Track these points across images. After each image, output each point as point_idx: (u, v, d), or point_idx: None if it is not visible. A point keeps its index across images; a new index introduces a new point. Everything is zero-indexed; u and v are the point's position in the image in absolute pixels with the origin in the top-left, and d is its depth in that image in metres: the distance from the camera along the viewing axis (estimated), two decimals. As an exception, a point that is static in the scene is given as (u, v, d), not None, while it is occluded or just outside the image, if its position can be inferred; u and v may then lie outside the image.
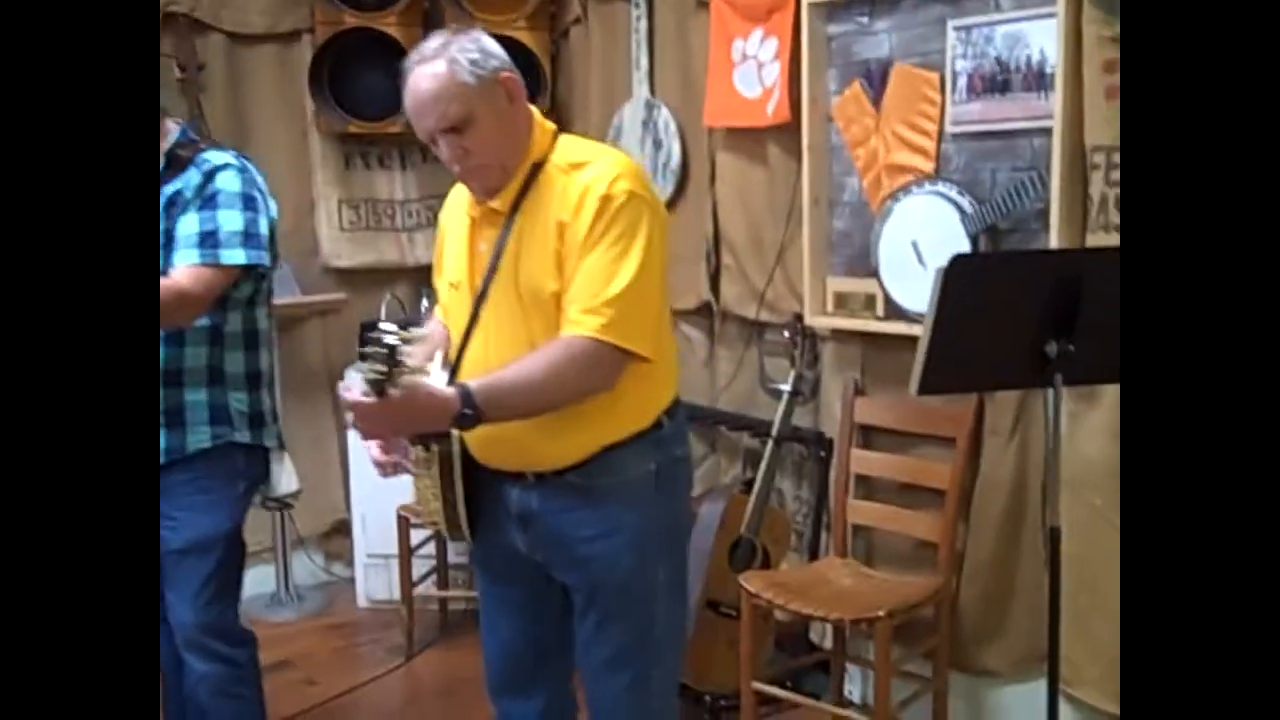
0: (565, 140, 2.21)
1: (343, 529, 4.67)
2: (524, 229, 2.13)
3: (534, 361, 2.04)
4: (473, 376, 2.10)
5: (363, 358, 1.88)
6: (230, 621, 2.77)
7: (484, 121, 2.08)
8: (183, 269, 2.52)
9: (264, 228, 2.66)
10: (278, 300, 4.29)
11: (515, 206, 2.14)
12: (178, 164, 2.63)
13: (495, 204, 2.16)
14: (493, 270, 2.15)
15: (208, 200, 2.58)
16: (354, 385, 1.91)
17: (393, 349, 1.82)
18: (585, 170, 2.11)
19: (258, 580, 4.56)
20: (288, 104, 4.51)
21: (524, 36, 4.24)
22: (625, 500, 2.19)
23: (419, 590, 4.12)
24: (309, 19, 4.36)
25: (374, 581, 4.44)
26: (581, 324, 2.04)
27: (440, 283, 2.31)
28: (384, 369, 1.82)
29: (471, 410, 1.98)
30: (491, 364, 2.11)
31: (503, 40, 4.05)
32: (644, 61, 3.90)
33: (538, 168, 2.15)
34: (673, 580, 2.29)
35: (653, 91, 3.94)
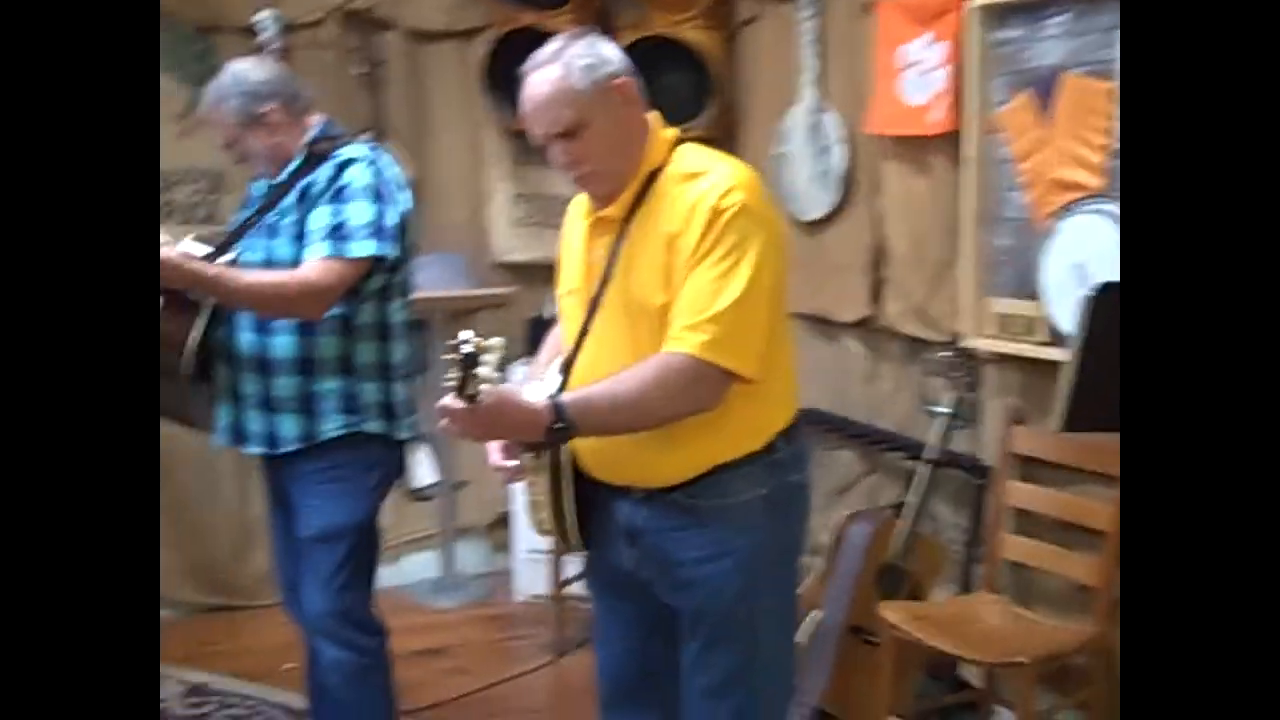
0: (685, 149, 2.16)
1: (506, 521, 4.73)
2: (636, 239, 2.10)
3: (631, 377, 2.01)
4: (582, 387, 2.10)
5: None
6: (361, 610, 2.85)
7: (597, 127, 2.06)
8: (312, 261, 2.62)
9: (392, 219, 2.70)
10: (447, 292, 4.41)
11: (629, 215, 2.11)
12: (315, 158, 2.74)
13: (609, 211, 2.13)
14: (605, 279, 2.13)
15: (337, 193, 2.66)
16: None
17: (469, 356, 1.83)
18: (699, 181, 2.06)
19: (422, 566, 4.69)
20: (465, 100, 4.57)
21: (696, 36, 4.16)
22: (734, 523, 2.13)
23: (571, 589, 4.12)
24: (487, 16, 4.40)
25: (531, 576, 4.48)
26: (682, 341, 2.00)
27: (560, 290, 2.30)
28: (458, 375, 1.83)
29: (563, 424, 1.97)
30: (599, 375, 2.09)
31: (672, 42, 4.09)
32: (812, 64, 3.77)
33: (653, 176, 2.11)
34: (781, 609, 2.24)
35: (821, 96, 3.81)
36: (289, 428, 2.73)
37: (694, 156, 2.13)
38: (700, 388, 2.02)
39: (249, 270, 2.66)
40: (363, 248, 2.63)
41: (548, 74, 2.06)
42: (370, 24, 4.39)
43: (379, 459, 2.82)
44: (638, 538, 2.20)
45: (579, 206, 2.26)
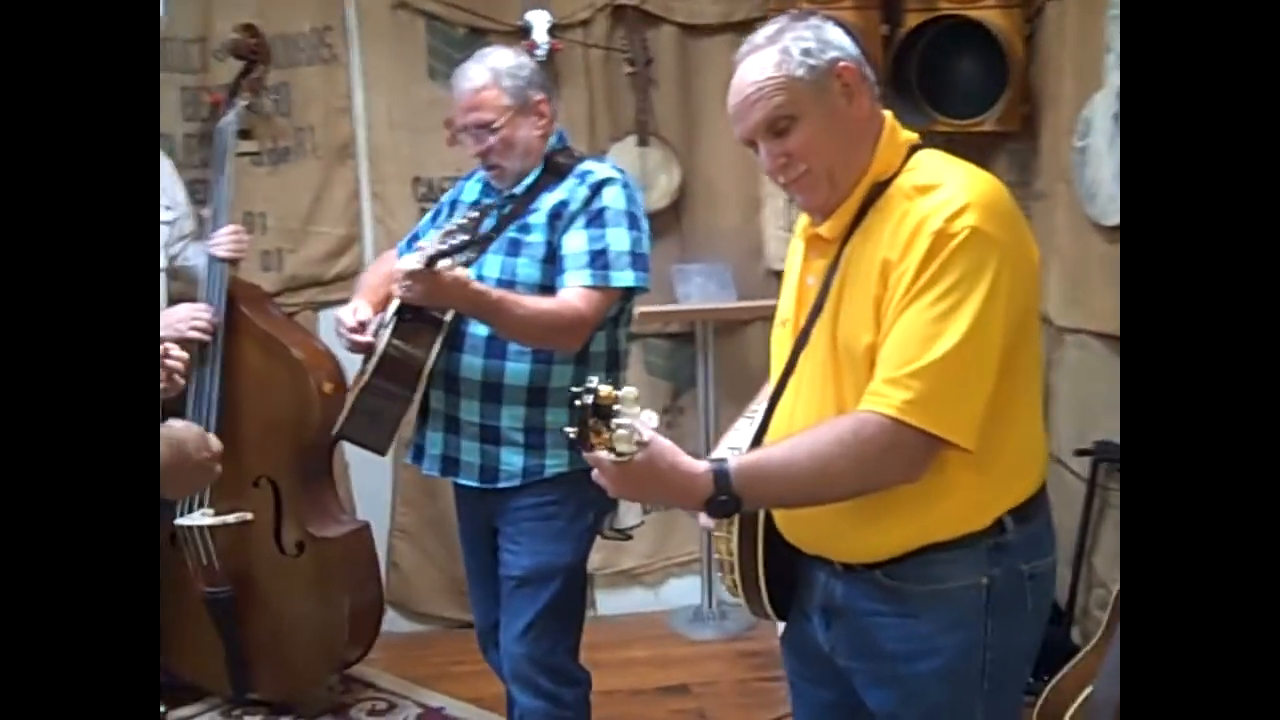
0: (924, 157, 1.79)
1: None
2: (853, 263, 1.76)
3: (814, 440, 1.67)
4: (781, 434, 1.78)
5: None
6: (560, 658, 2.63)
7: (811, 121, 1.74)
8: (577, 290, 2.47)
9: (648, 247, 2.57)
10: (715, 304, 4.17)
11: (848, 234, 1.77)
12: (555, 170, 2.59)
13: (825, 229, 1.80)
14: (816, 311, 1.79)
15: (595, 216, 2.52)
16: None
17: (596, 408, 1.55)
18: (929, 196, 1.69)
19: (684, 592, 4.45)
20: (739, 97, 4.27)
21: (993, 16, 3.69)
22: (945, 616, 1.75)
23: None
24: (763, 7, 4.10)
25: (796, 611, 4.12)
26: (880, 398, 1.64)
27: (776, 319, 1.97)
28: (584, 428, 1.56)
29: (727, 496, 1.64)
30: (795, 427, 1.76)
31: (966, 23, 3.64)
32: (1117, 44, 3.23)
33: (880, 188, 1.76)
34: None
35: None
36: (512, 461, 2.56)
37: (932, 166, 1.77)
38: (896, 456, 1.64)
39: (522, 296, 2.50)
40: (623, 277, 2.50)
41: (762, 60, 1.75)
42: (641, 19, 4.18)
43: (596, 497, 2.57)
44: (834, 616, 1.86)
45: (801, 221, 1.93)
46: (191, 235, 3.61)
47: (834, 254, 1.79)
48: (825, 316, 1.78)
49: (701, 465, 1.66)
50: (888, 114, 1.82)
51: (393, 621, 4.19)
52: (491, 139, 2.56)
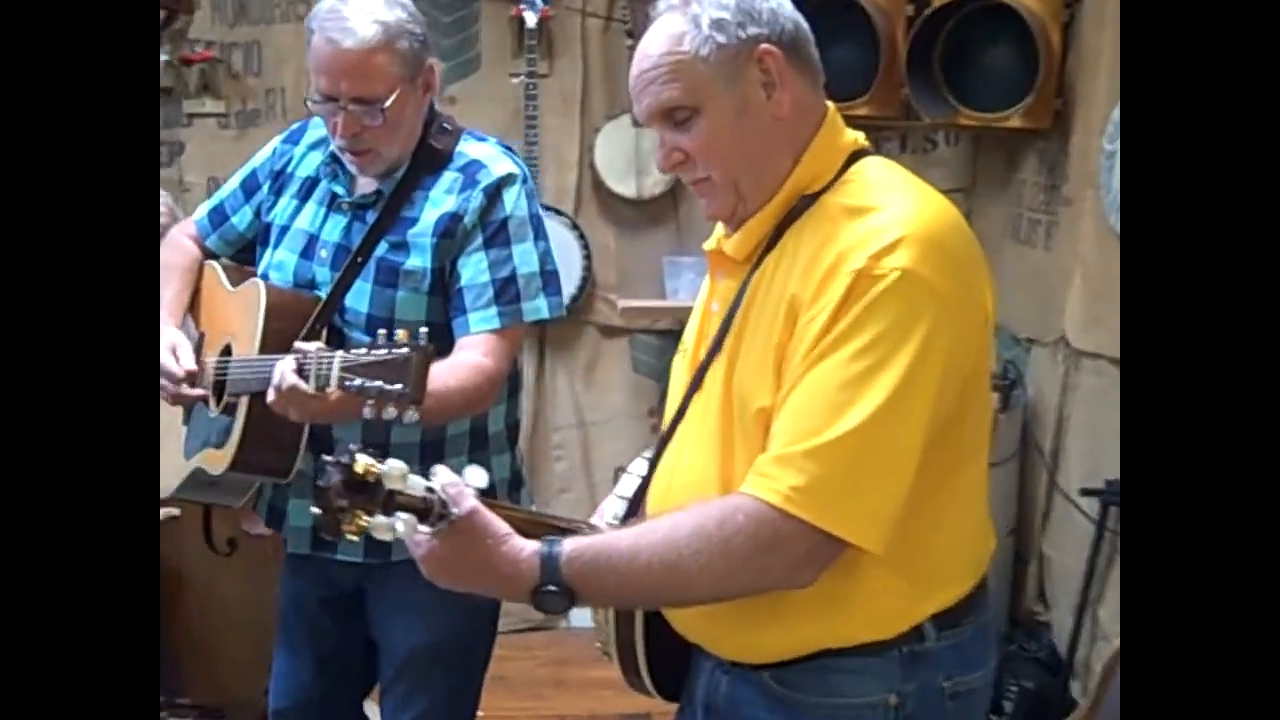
0: (867, 167, 1.45)
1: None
2: (759, 293, 1.42)
3: (671, 527, 1.34)
4: (657, 504, 1.46)
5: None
6: None
7: (716, 115, 1.40)
8: (482, 341, 1.98)
9: (555, 256, 2.10)
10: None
11: (760, 256, 1.43)
12: (430, 160, 2.07)
13: (730, 246, 1.46)
14: (715, 347, 1.46)
15: (496, 233, 2.02)
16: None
17: (347, 485, 1.25)
18: (858, 222, 1.35)
19: (661, 608, 4.15)
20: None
21: (1028, 0, 3.34)
22: None
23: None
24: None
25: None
26: (764, 480, 1.32)
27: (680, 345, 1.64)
28: (318, 510, 1.27)
29: (556, 587, 1.32)
30: (673, 495, 1.45)
31: (1000, 5, 3.29)
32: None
33: (807, 202, 1.42)
34: None
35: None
36: None
37: (871, 181, 1.43)
38: (776, 557, 1.31)
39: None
40: (536, 308, 2.03)
41: (665, 29, 1.41)
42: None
43: None
44: (714, 715, 1.53)
45: (716, 230, 1.58)
46: None
47: (742, 278, 1.45)
48: (723, 357, 1.45)
49: (528, 549, 1.34)
50: (830, 107, 1.48)
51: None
52: (371, 120, 1.96)
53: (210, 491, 2.20)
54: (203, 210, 2.29)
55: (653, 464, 1.55)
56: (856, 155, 1.46)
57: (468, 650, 2.23)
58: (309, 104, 2.04)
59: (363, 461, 1.25)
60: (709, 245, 1.54)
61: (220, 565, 3.22)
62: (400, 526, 1.26)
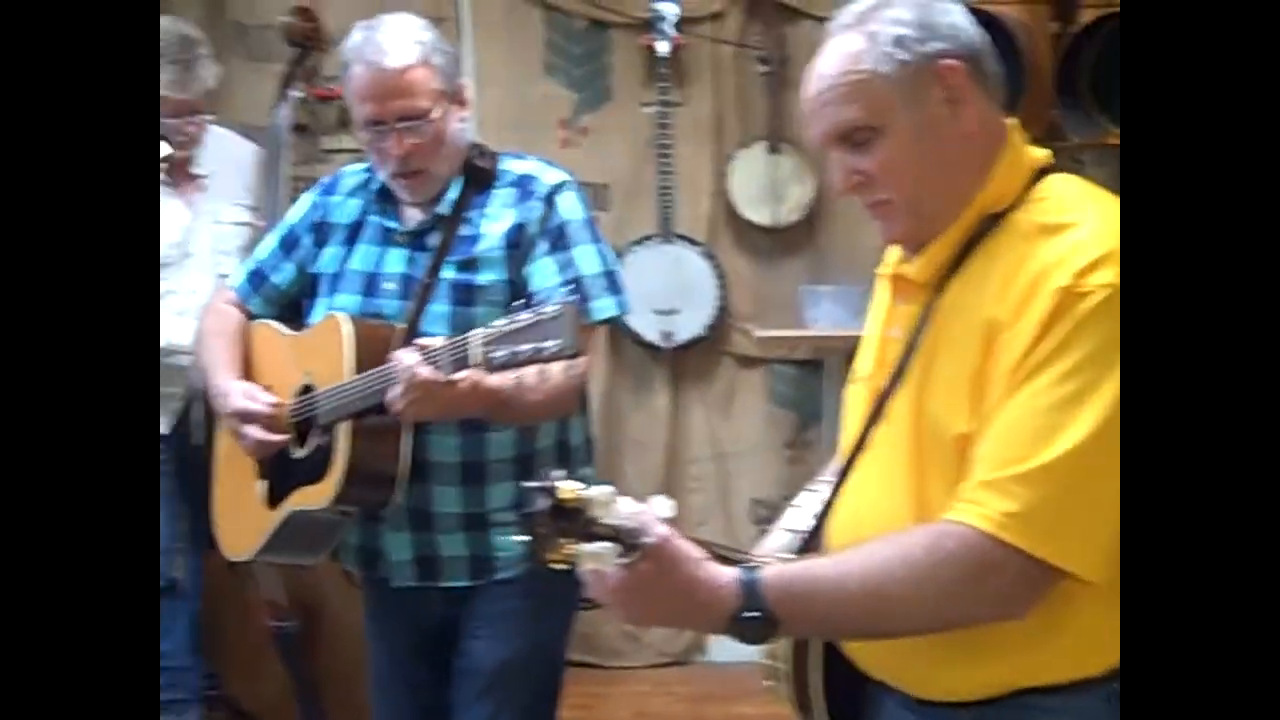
0: (1057, 184, 1.38)
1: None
2: (947, 317, 1.36)
3: (876, 556, 1.29)
4: (843, 537, 1.40)
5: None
6: None
7: (897, 134, 1.34)
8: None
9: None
10: (848, 331, 3.77)
11: (944, 279, 1.38)
12: (480, 179, 2.10)
13: (912, 270, 1.41)
14: (899, 373, 1.40)
15: (557, 237, 2.05)
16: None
17: (554, 512, 1.21)
18: (1058, 239, 1.29)
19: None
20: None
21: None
22: None
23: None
24: (914, -1, 3.69)
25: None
26: (973, 506, 1.25)
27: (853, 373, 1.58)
28: (527, 538, 1.24)
29: (758, 613, 1.27)
30: (862, 527, 1.38)
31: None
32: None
33: (991, 222, 1.36)
34: None
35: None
36: (507, 546, 2.06)
37: (1065, 197, 1.36)
38: (988, 587, 1.25)
39: (522, 375, 1.95)
40: (604, 307, 2.04)
41: (842, 47, 1.36)
42: (777, 13, 3.83)
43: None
44: None
45: (890, 253, 1.52)
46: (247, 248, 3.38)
47: (925, 302, 1.39)
48: (910, 384, 1.38)
49: (726, 574, 1.29)
50: (1011, 124, 1.42)
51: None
52: (418, 137, 2.01)
53: (296, 544, 2.18)
54: (240, 275, 2.30)
55: (832, 496, 1.49)
56: (1044, 171, 1.39)
57: (554, 665, 2.21)
58: (358, 138, 2.10)
59: (567, 487, 1.22)
60: (885, 270, 1.49)
61: (357, 597, 3.24)
62: (608, 555, 1.23)
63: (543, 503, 1.21)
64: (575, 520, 1.22)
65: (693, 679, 3.91)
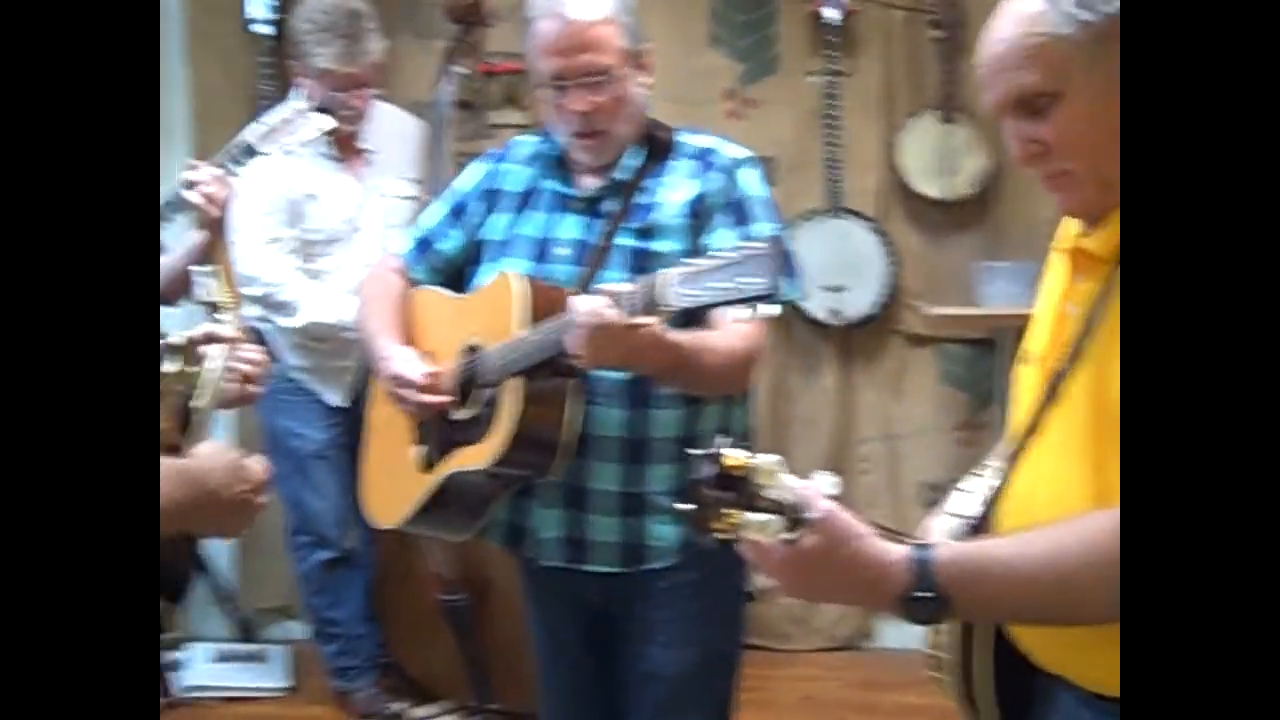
0: None
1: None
2: None
3: (1059, 537, 1.24)
4: (1016, 521, 1.34)
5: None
6: None
7: (1080, 100, 1.27)
8: (753, 323, 1.91)
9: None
10: (1022, 309, 3.60)
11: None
12: (661, 148, 2.07)
13: (1092, 243, 1.33)
14: (1075, 353, 1.33)
15: (739, 212, 2.00)
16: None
17: (719, 479, 1.19)
18: None
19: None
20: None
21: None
22: None
23: None
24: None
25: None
26: None
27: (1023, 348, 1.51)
28: (690, 507, 1.21)
29: (930, 594, 1.22)
30: (1035, 511, 1.32)
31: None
32: None
33: None
34: None
35: None
36: (663, 534, 2.01)
37: None
38: None
39: (703, 336, 1.93)
40: (788, 289, 1.95)
41: (1022, 5, 1.30)
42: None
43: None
44: None
45: (1065, 226, 1.44)
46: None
47: (1106, 277, 1.31)
48: (1087, 364, 1.30)
49: (896, 551, 1.25)
50: None
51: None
52: (602, 95, 1.98)
53: (447, 513, 2.15)
54: (405, 243, 2.29)
55: (1002, 482, 1.42)
56: None
57: (731, 666, 2.15)
58: (539, 95, 2.06)
59: (734, 455, 1.20)
60: (1062, 244, 1.41)
61: (525, 575, 3.27)
62: (772, 526, 1.20)
63: (708, 469, 1.19)
64: (740, 489, 1.19)
65: (861, 664, 3.82)
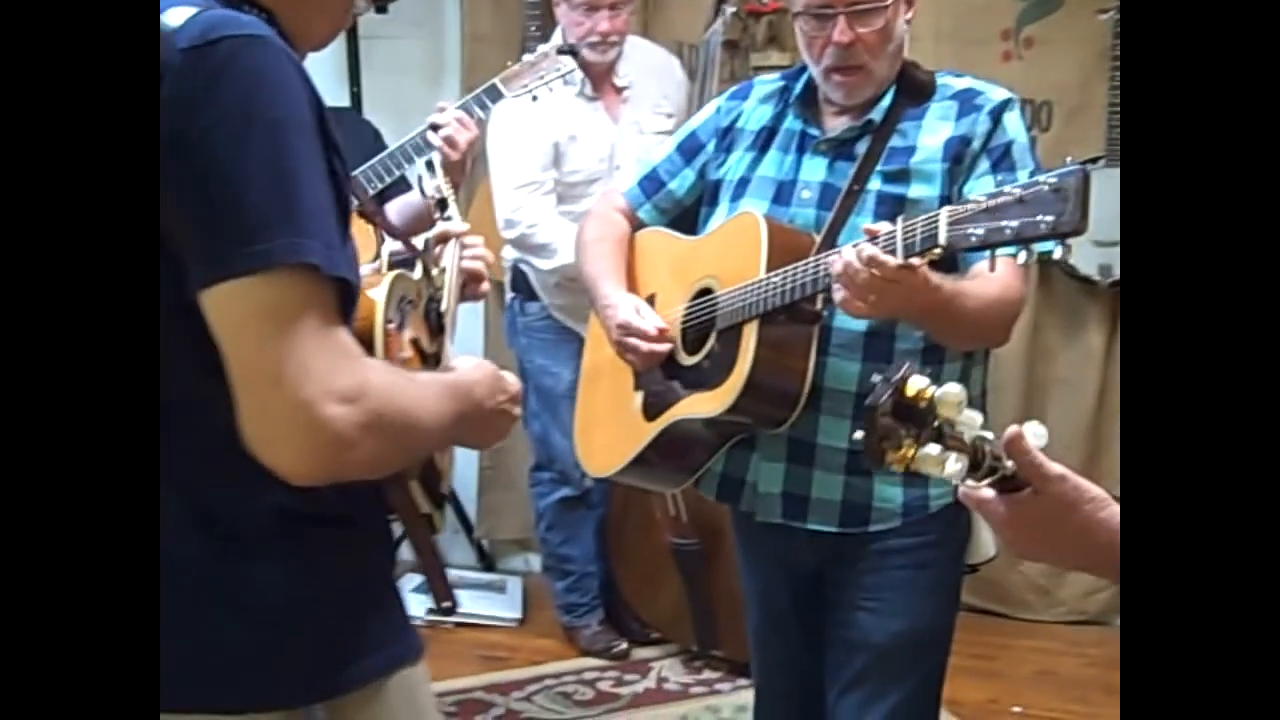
0: None
1: None
2: None
3: None
4: None
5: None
6: None
7: None
8: (1003, 271, 1.74)
9: None
10: None
11: None
12: (917, 89, 1.92)
13: None
14: None
15: (1002, 158, 1.86)
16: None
17: (896, 408, 1.12)
18: None
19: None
20: None
21: None
22: None
23: None
24: None
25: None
26: None
27: None
28: (863, 433, 1.14)
29: None
30: None
31: None
32: None
33: None
34: None
35: None
36: (889, 495, 1.92)
37: None
38: None
39: (962, 284, 1.81)
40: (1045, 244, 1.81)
41: None
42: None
43: (966, 531, 2.00)
44: None
45: None
46: None
47: None
48: None
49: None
50: None
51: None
52: (867, 26, 1.85)
53: (664, 463, 2.07)
54: (631, 180, 2.19)
55: None
56: None
57: (941, 644, 2.03)
58: (798, 27, 1.91)
59: (916, 382, 1.12)
60: None
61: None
62: (952, 465, 1.12)
63: (887, 396, 1.11)
64: (922, 420, 1.12)
65: (1109, 642, 3.58)
